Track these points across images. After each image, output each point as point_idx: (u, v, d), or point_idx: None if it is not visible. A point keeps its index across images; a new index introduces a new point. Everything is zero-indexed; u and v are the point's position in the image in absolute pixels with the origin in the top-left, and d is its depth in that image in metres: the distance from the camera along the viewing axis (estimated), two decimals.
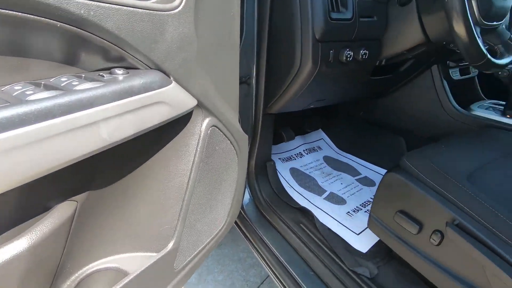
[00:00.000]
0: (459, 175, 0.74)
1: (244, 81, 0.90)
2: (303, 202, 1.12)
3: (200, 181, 0.63)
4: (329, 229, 1.00)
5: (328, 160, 1.47)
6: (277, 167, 1.27)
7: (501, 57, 0.80)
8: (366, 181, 1.31)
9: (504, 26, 0.82)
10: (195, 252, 0.69)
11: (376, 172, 1.39)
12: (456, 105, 1.21)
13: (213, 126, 0.62)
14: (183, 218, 0.62)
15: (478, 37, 0.69)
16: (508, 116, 1.10)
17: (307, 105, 1.06)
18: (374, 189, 1.26)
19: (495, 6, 0.73)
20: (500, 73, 1.07)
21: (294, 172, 1.33)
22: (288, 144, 1.47)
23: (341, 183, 1.30)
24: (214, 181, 0.67)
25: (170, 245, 0.61)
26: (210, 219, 0.71)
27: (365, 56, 0.87)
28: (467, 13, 0.67)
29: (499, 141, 0.92)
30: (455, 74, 1.26)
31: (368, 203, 1.17)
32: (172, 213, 0.61)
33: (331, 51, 0.82)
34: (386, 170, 1.40)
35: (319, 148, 1.56)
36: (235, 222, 1.08)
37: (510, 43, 0.83)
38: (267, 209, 1.06)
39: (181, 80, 0.48)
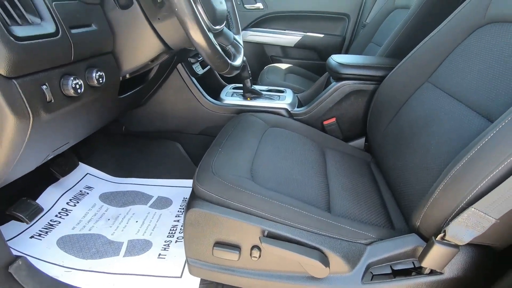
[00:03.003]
0: (245, 180, 0.75)
1: None
2: (97, 283, 0.81)
3: None
4: None
5: (107, 198, 1.16)
6: (35, 255, 0.83)
7: (234, 58, 0.84)
8: (162, 203, 1.16)
9: (225, 28, 0.85)
10: None
11: (166, 186, 1.26)
12: (210, 98, 1.26)
13: None
14: None
15: (216, 44, 0.66)
16: (248, 99, 1.27)
17: (41, 161, 0.70)
18: (173, 208, 1.14)
19: (217, 10, 0.72)
20: None
21: (67, 243, 0.93)
22: (36, 211, 1.00)
23: (136, 220, 1.06)
24: None
25: None
26: None
27: (102, 80, 0.63)
28: (200, 21, 0.60)
29: (252, 125, 1.02)
30: (198, 69, 1.29)
31: (174, 228, 1.04)
32: None
33: (44, 87, 0.52)
34: (174, 180, 1.33)
35: (89, 188, 1.20)
36: None
37: (236, 42, 0.88)
38: None
39: None
